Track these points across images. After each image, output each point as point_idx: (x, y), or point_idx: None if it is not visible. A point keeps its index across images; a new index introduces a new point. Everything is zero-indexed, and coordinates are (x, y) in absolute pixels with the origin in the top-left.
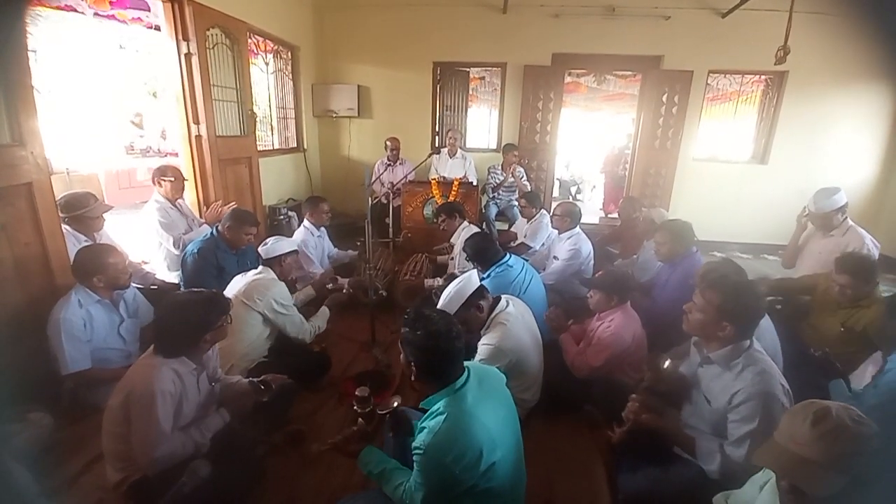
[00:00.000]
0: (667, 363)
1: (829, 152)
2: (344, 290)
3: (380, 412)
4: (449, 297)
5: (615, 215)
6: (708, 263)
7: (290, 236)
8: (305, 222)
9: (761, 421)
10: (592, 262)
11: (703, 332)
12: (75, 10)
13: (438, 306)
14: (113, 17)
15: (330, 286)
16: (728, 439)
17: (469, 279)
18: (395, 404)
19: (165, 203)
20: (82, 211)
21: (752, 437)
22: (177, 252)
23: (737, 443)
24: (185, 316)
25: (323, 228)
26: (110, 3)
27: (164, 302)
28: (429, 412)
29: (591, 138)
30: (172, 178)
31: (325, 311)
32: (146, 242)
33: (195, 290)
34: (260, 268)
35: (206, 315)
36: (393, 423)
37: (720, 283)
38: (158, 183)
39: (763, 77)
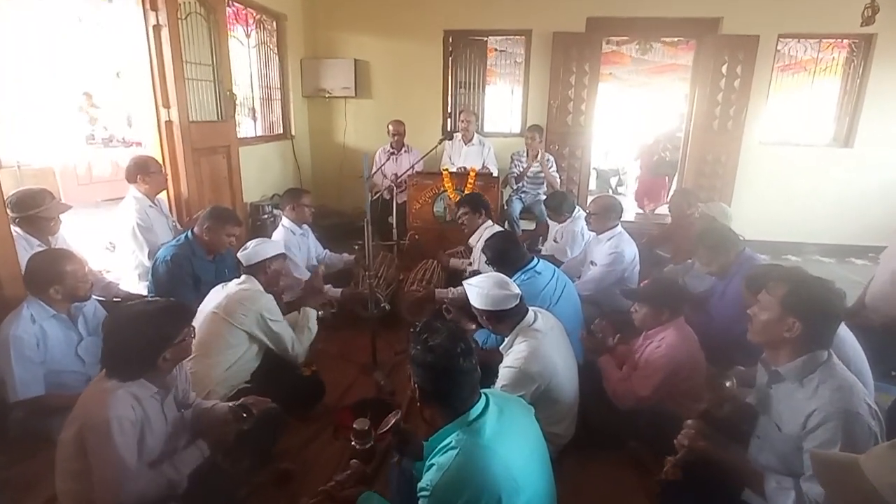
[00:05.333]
0: (729, 383)
1: None
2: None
3: (380, 432)
4: (485, 293)
5: (652, 210)
6: (759, 266)
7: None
8: (284, 220)
9: (844, 447)
10: (638, 268)
11: (769, 335)
12: None
13: (466, 282)
14: None
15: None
16: (804, 473)
17: (513, 296)
18: (394, 420)
19: (144, 201)
20: (36, 211)
21: None
22: (149, 263)
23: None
24: (137, 331)
25: (306, 226)
26: None
27: (113, 315)
28: (439, 447)
29: (634, 119)
30: (155, 173)
31: (308, 313)
32: (119, 247)
33: (149, 300)
34: (242, 277)
35: (164, 328)
36: (397, 441)
37: (785, 273)
38: (141, 180)
39: (846, 41)
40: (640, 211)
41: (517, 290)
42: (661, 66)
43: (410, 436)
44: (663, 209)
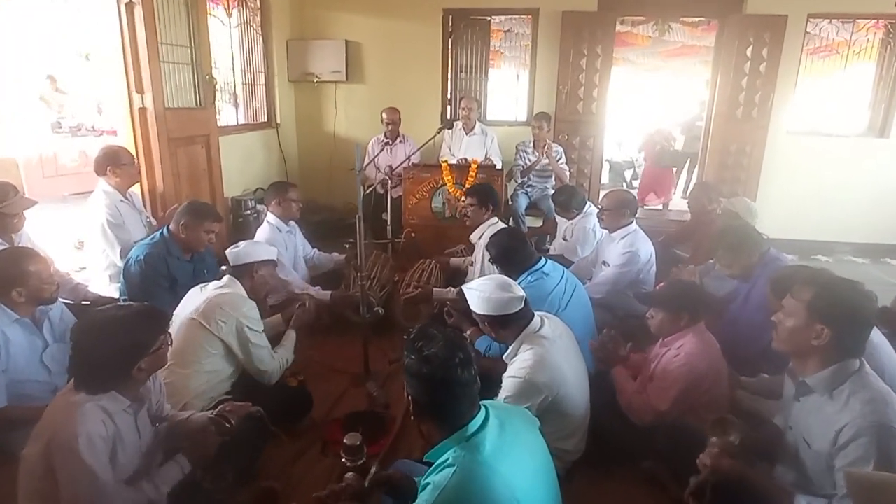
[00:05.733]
0: (733, 437)
1: None
2: (306, 304)
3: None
4: (487, 297)
5: (658, 206)
6: (785, 268)
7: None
8: (270, 216)
9: (878, 465)
10: (654, 269)
11: (795, 343)
12: None
13: (468, 284)
14: None
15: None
16: (837, 493)
17: (517, 300)
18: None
19: (115, 195)
20: None
21: None
22: (121, 264)
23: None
24: (109, 339)
25: (293, 222)
26: None
27: (81, 322)
28: (434, 465)
29: (651, 106)
30: (127, 165)
31: (290, 336)
32: (88, 246)
33: (121, 304)
34: (225, 279)
35: (138, 336)
36: (388, 487)
37: (811, 275)
38: (112, 172)
39: (881, 22)
40: (650, 207)
41: (521, 293)
42: (680, 49)
43: (403, 478)
44: (673, 204)
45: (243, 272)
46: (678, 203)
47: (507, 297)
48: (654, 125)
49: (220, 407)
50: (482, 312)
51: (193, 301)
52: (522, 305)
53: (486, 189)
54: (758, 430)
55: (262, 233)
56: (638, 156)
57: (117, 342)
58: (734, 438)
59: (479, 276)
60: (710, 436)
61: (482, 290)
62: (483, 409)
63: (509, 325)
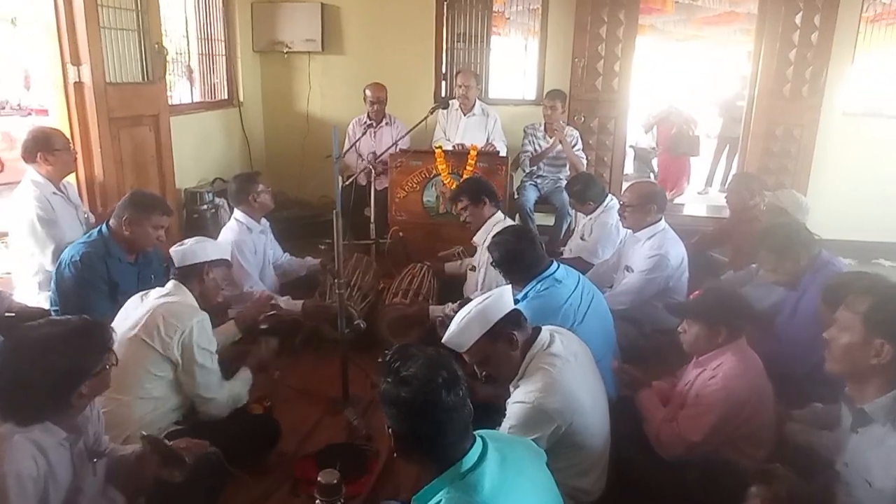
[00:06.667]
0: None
1: None
2: (268, 343)
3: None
4: (466, 319)
5: (678, 201)
6: (841, 274)
7: (217, 236)
8: (237, 214)
9: None
10: (686, 275)
11: (851, 363)
12: None
13: (446, 335)
14: None
15: (263, 324)
16: None
17: (500, 295)
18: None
19: (47, 186)
20: None
21: None
22: (52, 267)
23: None
24: (45, 362)
25: (264, 220)
26: None
27: (9, 342)
28: None
29: (682, 83)
30: (61, 150)
31: (246, 376)
32: (14, 246)
33: (55, 319)
34: (169, 285)
35: (79, 357)
36: None
37: (869, 283)
38: (43, 159)
39: None
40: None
41: (506, 304)
42: (718, 16)
43: None
44: (683, 198)
45: (192, 274)
46: (689, 197)
47: (484, 304)
48: (670, 103)
49: (171, 444)
50: (480, 335)
51: (133, 313)
52: (515, 308)
53: (472, 183)
54: (810, 478)
55: (228, 233)
56: (645, 138)
57: (53, 365)
58: (780, 492)
59: (483, 283)
60: (751, 484)
61: (461, 318)
62: (479, 440)
63: (516, 329)
